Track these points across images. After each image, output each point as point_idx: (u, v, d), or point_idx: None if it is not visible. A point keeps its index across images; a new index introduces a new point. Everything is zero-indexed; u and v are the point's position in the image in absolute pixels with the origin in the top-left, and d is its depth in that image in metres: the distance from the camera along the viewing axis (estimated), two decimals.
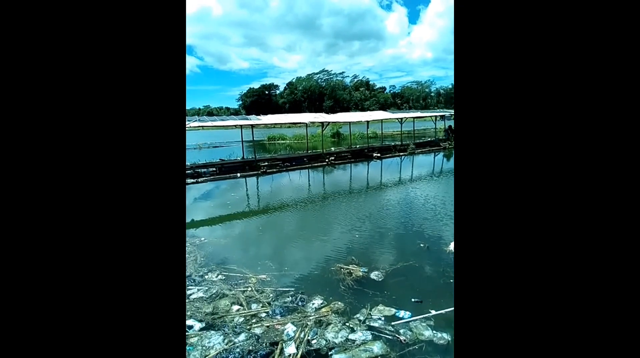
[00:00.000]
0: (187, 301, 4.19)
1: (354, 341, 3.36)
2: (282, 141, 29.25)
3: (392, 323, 3.61)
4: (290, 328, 3.58)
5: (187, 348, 3.31)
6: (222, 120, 17.45)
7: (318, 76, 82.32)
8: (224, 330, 3.61)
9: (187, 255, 5.59)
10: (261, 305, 4.10)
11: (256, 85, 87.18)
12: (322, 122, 19.14)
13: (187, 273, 4.93)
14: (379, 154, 17.56)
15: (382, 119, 21.37)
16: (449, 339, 3.31)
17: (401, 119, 21.37)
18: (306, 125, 18.30)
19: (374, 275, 4.72)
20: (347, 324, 3.62)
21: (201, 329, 3.64)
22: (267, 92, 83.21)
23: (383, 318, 3.70)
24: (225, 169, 14.00)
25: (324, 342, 3.37)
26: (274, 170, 14.38)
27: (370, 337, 3.41)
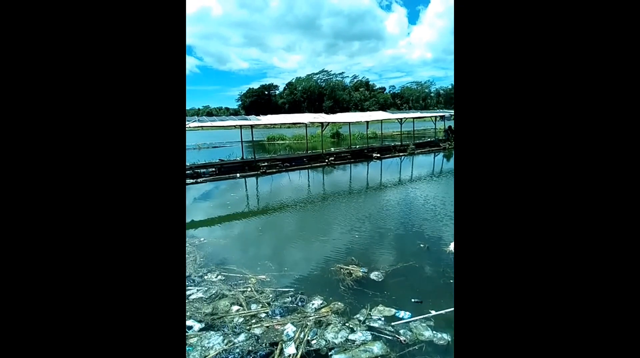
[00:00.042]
0: (186, 301, 4.18)
1: (353, 341, 3.36)
2: (282, 142, 29.25)
3: (392, 323, 3.61)
4: (290, 329, 3.57)
5: (187, 348, 3.31)
6: (222, 120, 17.45)
7: (318, 76, 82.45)
8: (223, 331, 3.60)
9: (186, 256, 5.59)
10: (261, 305, 4.09)
11: (256, 85, 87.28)
12: (321, 123, 19.14)
13: (187, 274, 4.92)
14: (378, 155, 17.56)
15: (381, 120, 21.37)
16: (449, 339, 3.31)
17: (401, 119, 21.39)
18: (306, 125, 18.30)
19: (373, 275, 4.71)
20: (347, 324, 3.62)
21: (201, 330, 3.63)
22: (266, 92, 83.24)
23: (383, 319, 3.70)
24: (224, 170, 14.00)
25: (324, 342, 3.36)
26: (274, 170, 14.37)
27: (370, 337, 3.41)
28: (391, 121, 22.80)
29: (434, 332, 3.42)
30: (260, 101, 78.37)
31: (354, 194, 10.64)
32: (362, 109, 59.36)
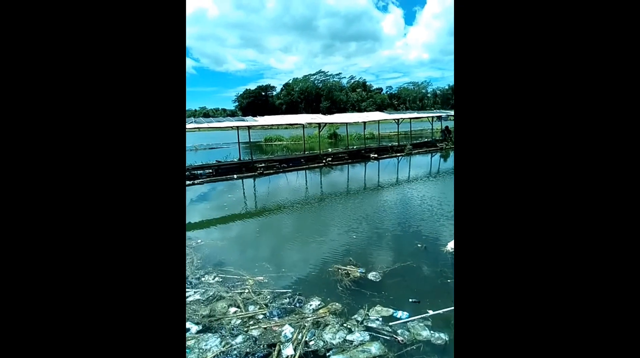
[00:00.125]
0: None
1: (351, 342, 3.35)
2: (279, 143, 29.21)
3: (390, 323, 3.61)
4: (287, 330, 3.56)
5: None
6: (219, 121, 17.39)
7: (315, 77, 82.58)
8: (221, 333, 3.59)
9: None
10: (258, 306, 4.08)
11: (253, 86, 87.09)
12: (319, 124, 19.15)
13: None
14: (376, 155, 17.60)
15: (379, 120, 21.41)
16: (447, 339, 3.32)
17: (398, 120, 21.44)
18: (303, 126, 18.30)
19: (371, 276, 4.71)
20: (345, 325, 3.62)
21: (198, 332, 3.61)
22: (263, 93, 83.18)
23: (381, 319, 3.70)
24: (221, 171, 13.96)
25: (322, 343, 3.36)
26: (271, 171, 14.35)
27: (368, 337, 3.40)
28: (388, 122, 22.84)
29: (432, 332, 3.43)
30: (257, 102, 78.30)
31: (351, 194, 10.64)
32: (360, 110, 59.44)
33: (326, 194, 10.80)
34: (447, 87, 79.74)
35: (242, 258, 5.72)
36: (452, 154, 18.11)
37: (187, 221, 7.87)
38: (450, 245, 5.48)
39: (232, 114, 71.02)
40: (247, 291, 4.46)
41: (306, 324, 3.66)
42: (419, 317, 3.68)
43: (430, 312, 3.73)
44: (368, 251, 5.70)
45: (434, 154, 18.93)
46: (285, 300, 4.19)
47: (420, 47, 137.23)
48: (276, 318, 3.82)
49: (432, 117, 23.57)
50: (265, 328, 3.64)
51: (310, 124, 19.02)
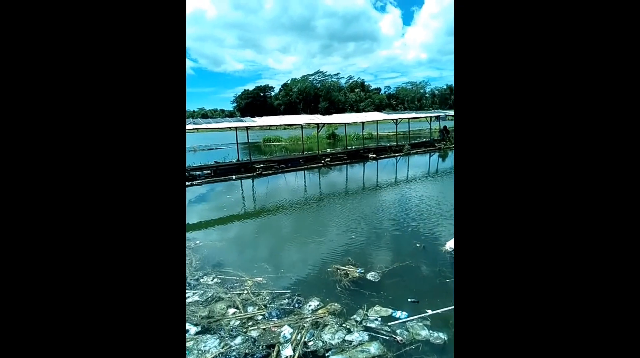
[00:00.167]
0: None
1: (350, 342, 3.35)
2: (278, 143, 29.19)
3: (389, 323, 3.61)
4: (286, 330, 3.56)
5: None
6: (217, 122, 17.37)
7: (313, 77, 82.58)
8: (220, 334, 3.58)
9: None
10: (257, 307, 4.08)
11: (251, 87, 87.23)
12: (317, 124, 19.14)
13: None
14: (374, 155, 17.60)
15: (377, 120, 21.42)
16: (446, 338, 3.32)
17: (396, 120, 21.45)
18: (301, 126, 18.29)
19: (370, 276, 4.72)
20: (344, 325, 3.62)
21: (197, 333, 3.61)
22: (262, 94, 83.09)
23: (380, 319, 3.70)
24: (220, 172, 13.94)
25: (321, 343, 3.36)
26: (270, 172, 14.34)
27: (367, 337, 3.41)
28: (387, 122, 22.85)
29: (431, 331, 3.43)
30: (255, 102, 78.22)
31: (350, 194, 10.64)
32: (358, 110, 59.53)
33: (325, 195, 10.79)
34: (445, 87, 79.91)
35: (241, 259, 5.71)
36: (450, 153, 18.14)
37: (186, 223, 7.84)
38: (449, 245, 5.49)
39: (230, 114, 70.91)
40: (246, 292, 4.45)
41: (305, 324, 3.65)
42: (418, 316, 3.68)
43: (429, 312, 3.74)
44: (367, 251, 5.70)
45: (432, 154, 18.96)
46: (284, 301, 4.18)
47: (418, 47, 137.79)
48: (275, 319, 3.81)
49: (431, 117, 23.60)
50: (264, 329, 3.64)
51: (308, 124, 19.01)
